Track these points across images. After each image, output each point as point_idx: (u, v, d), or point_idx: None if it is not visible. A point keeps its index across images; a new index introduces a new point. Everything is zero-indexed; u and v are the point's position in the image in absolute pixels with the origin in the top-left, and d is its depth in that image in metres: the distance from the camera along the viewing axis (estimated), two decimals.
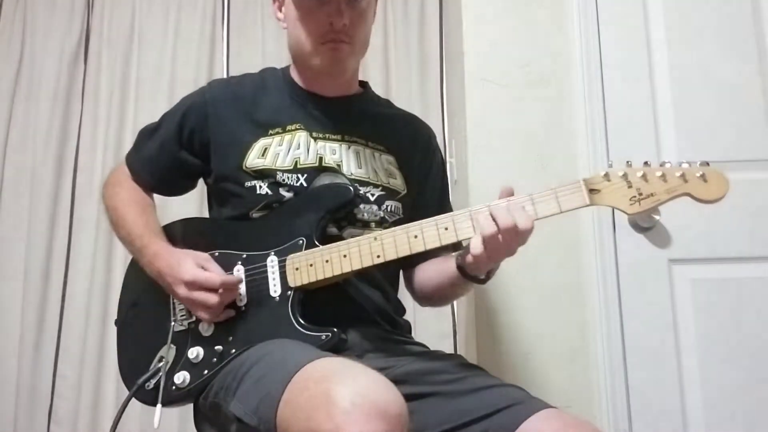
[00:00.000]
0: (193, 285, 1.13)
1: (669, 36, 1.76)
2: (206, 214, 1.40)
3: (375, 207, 1.24)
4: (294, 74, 1.33)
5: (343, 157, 1.25)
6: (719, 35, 1.75)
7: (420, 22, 2.50)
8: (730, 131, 1.70)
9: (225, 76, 2.46)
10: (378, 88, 2.35)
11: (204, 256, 1.18)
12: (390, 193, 1.27)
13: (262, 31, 2.50)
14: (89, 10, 2.56)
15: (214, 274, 1.14)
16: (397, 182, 1.29)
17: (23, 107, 2.49)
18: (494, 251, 1.03)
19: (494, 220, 1.02)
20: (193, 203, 2.05)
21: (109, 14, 2.54)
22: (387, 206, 1.25)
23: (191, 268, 1.14)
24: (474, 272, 1.11)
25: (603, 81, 1.74)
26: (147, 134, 1.36)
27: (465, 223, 1.07)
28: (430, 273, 1.28)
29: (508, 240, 1.02)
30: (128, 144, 2.29)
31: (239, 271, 1.18)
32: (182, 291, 1.14)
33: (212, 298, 1.12)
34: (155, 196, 1.38)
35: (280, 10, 1.30)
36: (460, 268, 1.12)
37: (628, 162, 1.04)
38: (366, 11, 1.24)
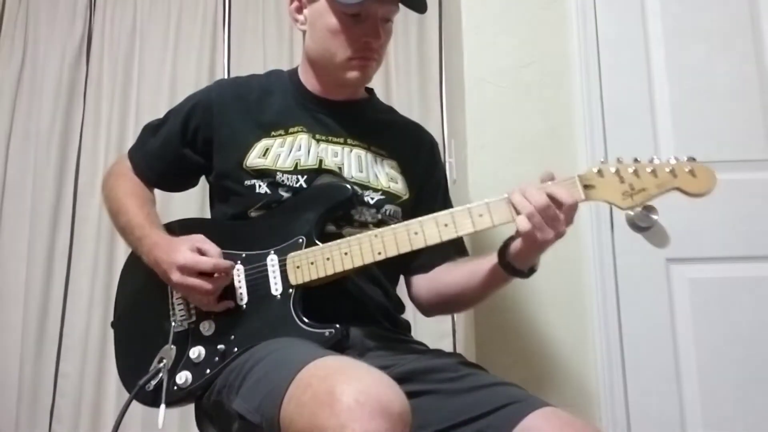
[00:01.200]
0: (184, 269, 1.12)
1: (667, 36, 1.76)
2: (207, 213, 1.41)
3: (374, 210, 1.25)
4: (303, 77, 1.33)
5: (344, 160, 1.26)
6: (717, 35, 1.75)
7: (420, 22, 2.50)
8: (729, 131, 1.70)
9: (226, 76, 2.46)
10: (378, 88, 2.34)
11: (199, 238, 1.17)
12: (390, 197, 1.28)
13: (263, 32, 2.50)
14: (91, 11, 2.57)
15: (206, 258, 1.13)
16: (399, 187, 1.30)
17: (26, 107, 2.50)
18: (540, 230, 1.03)
19: (527, 198, 1.03)
20: (194, 201, 2.06)
21: (111, 15, 2.55)
22: (386, 210, 1.26)
23: (185, 253, 1.13)
24: (520, 264, 1.12)
25: (601, 81, 1.75)
26: (151, 130, 1.38)
27: (465, 219, 1.08)
28: (453, 276, 1.27)
29: (550, 216, 1.02)
30: (130, 144, 2.30)
31: (239, 270, 1.18)
32: (176, 276, 1.13)
33: (205, 284, 1.13)
34: (156, 192, 1.39)
35: (300, 12, 1.29)
36: (505, 262, 1.13)
37: (618, 158, 1.07)
38: (392, 29, 1.26)
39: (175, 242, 1.18)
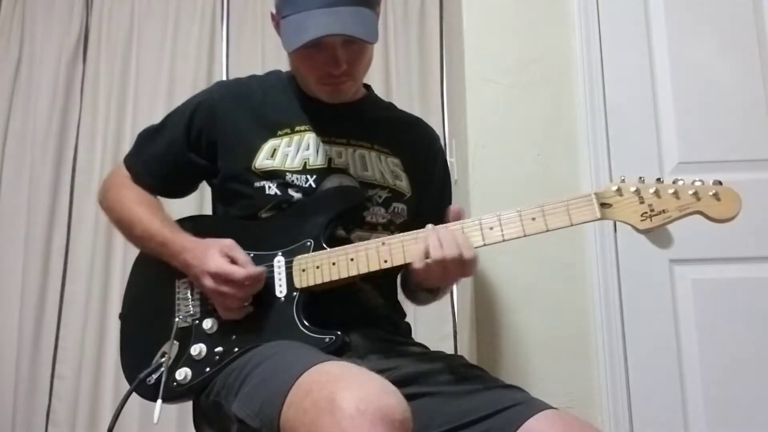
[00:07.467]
0: (218, 277, 1.10)
1: (670, 35, 1.76)
2: (205, 212, 1.39)
3: (382, 209, 1.25)
4: (297, 81, 1.32)
5: (349, 161, 1.25)
6: (720, 34, 1.75)
7: (420, 22, 2.50)
8: (731, 131, 1.69)
9: (224, 76, 2.47)
10: (378, 88, 2.35)
11: (229, 243, 1.15)
12: (396, 194, 1.27)
13: (262, 31, 2.49)
14: (88, 9, 2.56)
15: (238, 268, 1.11)
16: (403, 184, 1.30)
17: (22, 106, 2.50)
18: (437, 275, 1.05)
19: (441, 245, 1.03)
20: (192, 203, 2.04)
21: (108, 13, 2.55)
22: (394, 208, 1.26)
23: (217, 259, 1.12)
24: (427, 286, 1.17)
25: (604, 80, 1.74)
26: (149, 135, 1.34)
27: (474, 231, 1.06)
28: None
29: (452, 268, 1.03)
30: (127, 143, 2.30)
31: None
32: (208, 283, 1.11)
33: (237, 293, 1.11)
34: None
35: (279, 27, 1.26)
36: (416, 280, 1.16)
37: (640, 177, 1.03)
38: (365, 46, 1.20)
39: (203, 245, 1.15)
